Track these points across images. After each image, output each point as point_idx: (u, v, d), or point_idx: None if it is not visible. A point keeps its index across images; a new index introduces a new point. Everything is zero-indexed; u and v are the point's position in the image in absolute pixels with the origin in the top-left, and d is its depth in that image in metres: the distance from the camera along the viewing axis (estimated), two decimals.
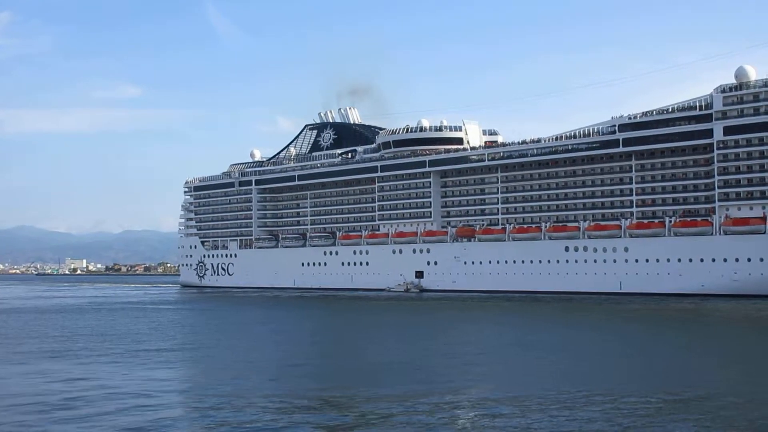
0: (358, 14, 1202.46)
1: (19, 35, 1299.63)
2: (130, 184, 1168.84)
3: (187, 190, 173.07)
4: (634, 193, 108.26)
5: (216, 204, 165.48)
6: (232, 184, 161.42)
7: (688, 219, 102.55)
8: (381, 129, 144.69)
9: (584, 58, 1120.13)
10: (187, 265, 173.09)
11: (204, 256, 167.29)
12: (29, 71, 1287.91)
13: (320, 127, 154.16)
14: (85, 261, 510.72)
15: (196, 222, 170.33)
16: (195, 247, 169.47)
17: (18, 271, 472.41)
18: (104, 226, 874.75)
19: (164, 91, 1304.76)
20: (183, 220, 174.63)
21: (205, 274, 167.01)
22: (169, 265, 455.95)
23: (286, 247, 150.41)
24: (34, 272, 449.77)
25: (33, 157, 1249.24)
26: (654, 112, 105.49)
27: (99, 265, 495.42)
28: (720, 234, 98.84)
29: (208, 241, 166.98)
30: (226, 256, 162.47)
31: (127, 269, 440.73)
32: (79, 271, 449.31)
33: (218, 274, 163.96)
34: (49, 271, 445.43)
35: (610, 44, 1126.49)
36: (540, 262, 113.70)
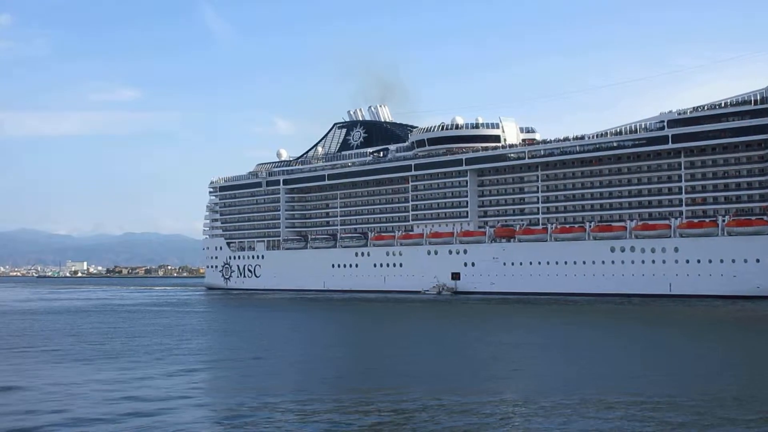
0: (357, 16, 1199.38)
1: (17, 38, 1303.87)
2: (130, 186, 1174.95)
3: (212, 190, 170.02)
4: (683, 191, 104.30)
5: (242, 204, 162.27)
6: (259, 184, 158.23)
7: (743, 218, 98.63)
8: (413, 127, 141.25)
9: (582, 61, 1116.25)
10: (212, 266, 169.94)
11: (230, 258, 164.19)
12: (28, 74, 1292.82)
13: (349, 126, 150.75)
14: (85, 263, 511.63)
15: (222, 223, 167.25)
16: (220, 248, 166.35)
17: (18, 274, 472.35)
18: (104, 229, 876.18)
19: (162, 94, 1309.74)
20: (208, 221, 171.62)
21: (230, 276, 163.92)
22: (169, 267, 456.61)
23: (316, 248, 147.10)
24: (35, 275, 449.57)
25: (33, 160, 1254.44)
26: (705, 107, 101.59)
27: (100, 268, 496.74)
28: None
29: (234, 243, 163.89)
30: (253, 257, 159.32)
31: (128, 271, 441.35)
32: (80, 274, 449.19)
33: (245, 276, 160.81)
34: (50, 274, 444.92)
35: (606, 47, 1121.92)
36: (584, 263, 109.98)
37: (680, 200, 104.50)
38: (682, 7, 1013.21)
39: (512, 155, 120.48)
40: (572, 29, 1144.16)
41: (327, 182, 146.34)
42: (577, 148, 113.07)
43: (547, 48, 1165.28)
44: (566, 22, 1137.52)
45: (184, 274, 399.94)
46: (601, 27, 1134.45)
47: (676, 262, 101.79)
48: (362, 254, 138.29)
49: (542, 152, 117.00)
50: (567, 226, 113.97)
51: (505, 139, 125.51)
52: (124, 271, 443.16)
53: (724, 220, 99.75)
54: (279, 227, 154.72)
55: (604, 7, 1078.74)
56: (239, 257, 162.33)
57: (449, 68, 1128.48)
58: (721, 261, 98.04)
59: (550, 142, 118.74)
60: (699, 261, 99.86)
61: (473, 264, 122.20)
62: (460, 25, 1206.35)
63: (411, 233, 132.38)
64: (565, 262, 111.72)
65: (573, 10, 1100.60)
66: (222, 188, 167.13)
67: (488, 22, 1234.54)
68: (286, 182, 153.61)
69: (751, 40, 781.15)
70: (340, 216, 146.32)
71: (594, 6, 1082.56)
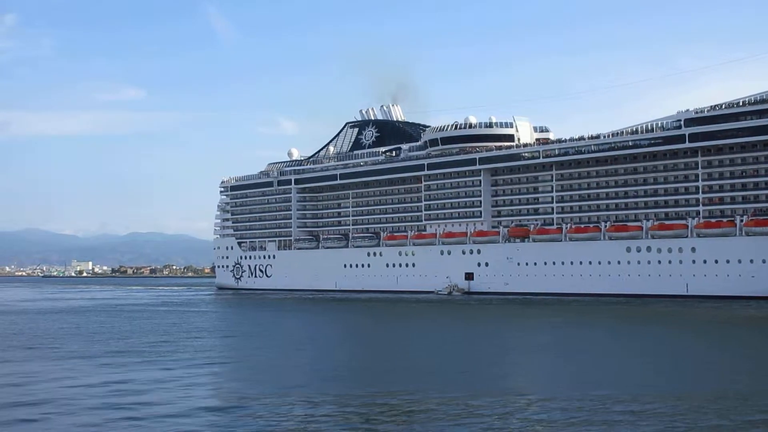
0: (359, 15, 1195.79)
1: (21, 38, 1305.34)
2: (135, 186, 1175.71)
3: (223, 189, 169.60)
4: (700, 190, 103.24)
5: (254, 204, 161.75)
6: (270, 184, 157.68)
7: (761, 218, 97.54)
8: (425, 126, 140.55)
9: (584, 60, 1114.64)
10: (222, 266, 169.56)
11: (241, 258, 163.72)
12: (32, 73, 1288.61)
13: (361, 125, 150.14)
14: (90, 263, 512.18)
15: (233, 222, 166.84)
16: (231, 248, 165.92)
17: (24, 274, 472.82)
18: (109, 229, 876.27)
19: (166, 94, 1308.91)
20: (219, 221, 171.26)
21: (241, 276, 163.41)
22: (175, 267, 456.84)
23: (328, 248, 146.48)
24: (40, 274, 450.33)
25: (38, 160, 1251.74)
26: (723, 106, 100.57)
27: (105, 268, 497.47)
28: None
29: (245, 242, 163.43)
30: (264, 257, 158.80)
31: (133, 271, 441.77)
32: (85, 274, 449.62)
33: (256, 276, 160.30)
34: (55, 274, 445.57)
35: (608, 47, 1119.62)
36: (599, 263, 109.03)
37: (697, 200, 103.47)
38: (685, 8, 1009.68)
39: (526, 154, 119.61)
40: (574, 29, 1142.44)
41: (339, 182, 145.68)
42: (593, 147, 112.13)
43: (549, 48, 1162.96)
44: (569, 22, 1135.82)
45: (189, 274, 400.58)
46: (604, 27, 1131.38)
47: (694, 262, 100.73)
48: (374, 254, 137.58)
49: (557, 151, 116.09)
50: (582, 226, 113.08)
51: (518, 139, 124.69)
52: (129, 271, 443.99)
53: (742, 220, 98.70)
54: (290, 227, 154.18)
55: (609, 7, 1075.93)
56: (250, 257, 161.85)
57: (453, 68, 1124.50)
58: (739, 261, 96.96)
59: (565, 141, 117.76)
60: (717, 261, 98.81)
61: (487, 264, 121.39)
62: (462, 25, 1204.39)
63: (424, 233, 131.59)
64: (580, 263, 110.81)
65: (574, 11, 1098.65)
66: (233, 188, 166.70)
67: (492, 22, 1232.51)
68: (297, 182, 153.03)
69: (754, 41, 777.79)
70: (352, 216, 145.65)
71: (596, 6, 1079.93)
